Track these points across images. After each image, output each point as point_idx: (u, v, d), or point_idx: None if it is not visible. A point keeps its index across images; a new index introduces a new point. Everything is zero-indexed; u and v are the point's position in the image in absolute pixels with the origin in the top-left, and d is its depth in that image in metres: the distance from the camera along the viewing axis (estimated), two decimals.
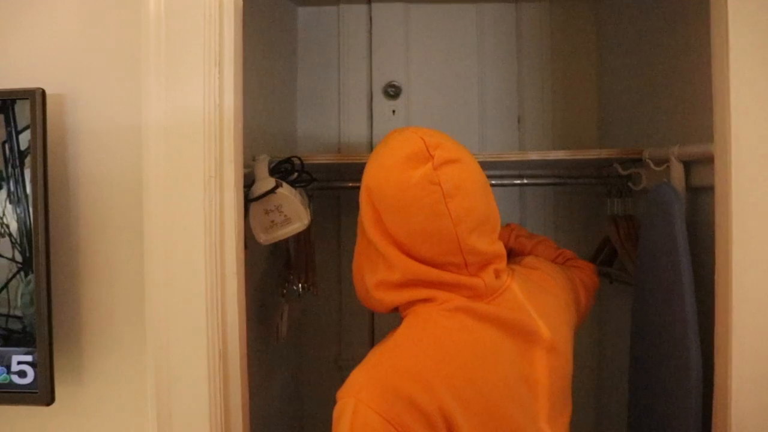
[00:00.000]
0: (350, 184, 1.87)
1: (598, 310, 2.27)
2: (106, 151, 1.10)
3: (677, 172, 1.46)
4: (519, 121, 2.33)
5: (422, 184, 1.04)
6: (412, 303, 1.11)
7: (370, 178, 1.11)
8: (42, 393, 1.05)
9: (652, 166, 1.55)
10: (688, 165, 1.46)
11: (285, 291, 1.76)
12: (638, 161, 1.74)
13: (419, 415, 0.96)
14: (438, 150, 1.06)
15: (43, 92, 1.04)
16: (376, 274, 1.13)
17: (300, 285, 1.74)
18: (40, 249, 1.03)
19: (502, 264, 1.17)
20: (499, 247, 1.15)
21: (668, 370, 1.38)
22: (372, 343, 2.32)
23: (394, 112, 2.31)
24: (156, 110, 1.03)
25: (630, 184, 1.82)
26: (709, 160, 1.33)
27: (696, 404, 1.28)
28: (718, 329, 1.19)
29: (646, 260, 1.54)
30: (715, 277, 1.21)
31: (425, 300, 1.10)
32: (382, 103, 2.32)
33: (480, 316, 1.08)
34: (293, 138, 2.28)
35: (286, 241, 1.78)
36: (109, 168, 1.10)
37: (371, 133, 2.32)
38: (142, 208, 1.05)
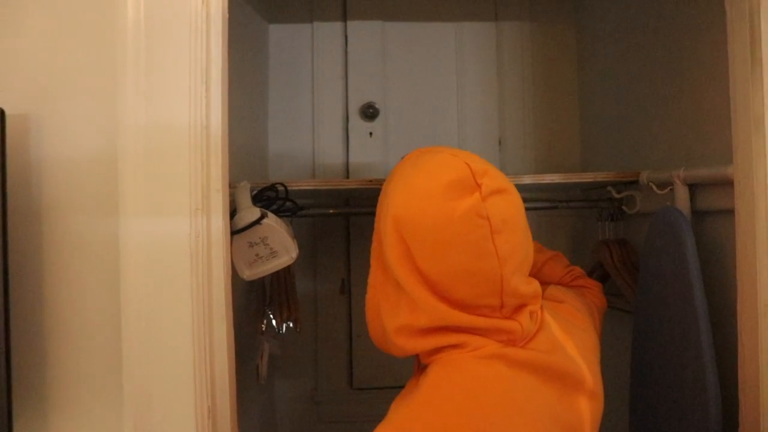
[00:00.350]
0: (331, 211, 1.76)
1: None
2: (76, 180, 0.97)
3: (682, 195, 1.39)
4: (500, 143, 2.26)
5: (469, 217, 0.90)
6: (439, 350, 0.98)
7: (399, 207, 0.95)
8: None
9: (654, 189, 1.48)
10: (692, 188, 1.39)
11: (264, 328, 1.63)
12: (632, 184, 1.68)
13: None
14: (485, 178, 0.93)
15: (2, 113, 0.91)
16: (397, 317, 0.99)
17: (281, 321, 1.61)
18: None
19: (538, 305, 1.03)
20: (537, 287, 1.02)
21: (681, 412, 1.30)
22: (350, 376, 2.21)
23: (371, 134, 2.21)
24: (135, 132, 0.91)
25: (624, 207, 1.74)
26: (718, 183, 1.28)
27: None
28: (745, 369, 1.12)
29: (649, 287, 1.46)
30: (738, 307, 1.14)
31: (454, 346, 0.96)
32: (358, 125, 2.22)
33: (516, 364, 0.95)
34: (264, 161, 2.16)
35: None
36: (81, 199, 0.97)
37: (347, 155, 2.22)
38: (119, 246, 0.92)
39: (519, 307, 0.99)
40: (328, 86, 2.23)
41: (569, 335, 1.06)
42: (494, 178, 0.95)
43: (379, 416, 2.17)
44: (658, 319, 1.41)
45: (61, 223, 0.97)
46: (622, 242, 1.82)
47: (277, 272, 1.64)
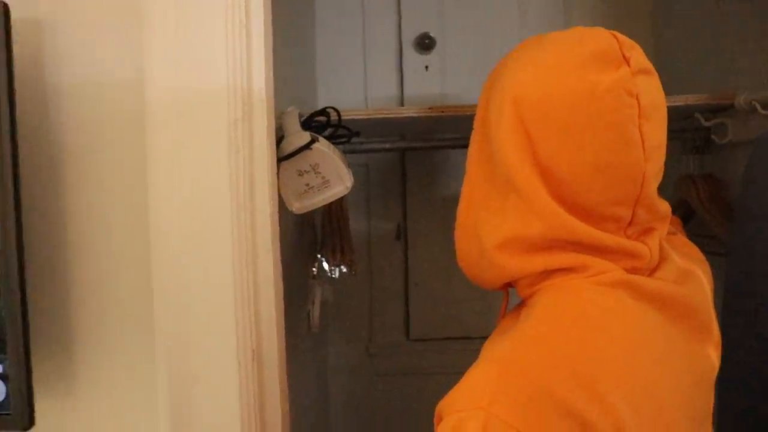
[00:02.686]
0: (387, 146, 1.61)
1: None
2: (97, 100, 0.83)
3: None
4: None
5: (616, 92, 0.73)
6: (548, 274, 0.79)
7: (524, 86, 0.77)
8: (17, 414, 0.77)
9: (759, 109, 1.29)
10: None
11: (315, 272, 1.50)
12: (722, 111, 1.50)
13: (581, 430, 0.65)
14: (634, 51, 0.76)
15: (5, 6, 0.77)
16: (502, 227, 0.80)
17: (335, 265, 1.48)
18: (8, 211, 0.76)
19: (665, 230, 0.85)
20: (668, 207, 0.84)
21: None
22: (408, 328, 2.08)
23: (427, 67, 2.04)
24: (163, 51, 0.77)
25: (714, 136, 1.55)
26: None
27: None
28: None
29: (750, 225, 1.28)
30: None
31: (569, 269, 0.78)
32: (413, 58, 2.04)
33: (645, 296, 0.77)
34: (313, 98, 2.02)
35: (312, 212, 1.52)
36: (100, 111, 0.83)
37: (402, 91, 2.05)
38: (147, 159, 0.79)
39: (646, 230, 0.82)
40: (380, 16, 2.06)
41: (691, 271, 0.88)
42: (643, 56, 0.77)
43: (438, 369, 2.06)
44: (762, 261, 1.24)
45: (79, 136, 0.84)
46: (710, 177, 1.64)
47: (330, 210, 1.51)
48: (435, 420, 0.72)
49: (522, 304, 0.85)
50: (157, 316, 0.80)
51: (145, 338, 0.84)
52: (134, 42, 0.81)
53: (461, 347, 2.03)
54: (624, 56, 0.75)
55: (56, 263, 0.85)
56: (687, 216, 1.74)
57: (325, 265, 1.50)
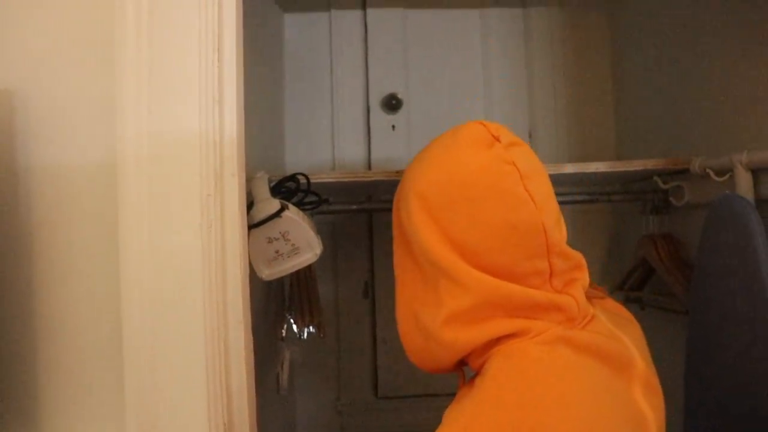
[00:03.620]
0: (354, 207, 1.63)
1: None
2: (68, 180, 0.84)
3: (745, 181, 1.26)
4: (530, 136, 2.12)
5: (495, 165, 0.85)
6: (494, 343, 0.86)
7: (422, 183, 0.90)
8: None
9: (713, 176, 1.34)
10: (755, 174, 1.26)
11: (284, 334, 1.50)
12: (679, 174, 1.55)
13: None
14: (500, 132, 0.89)
15: None
16: (440, 306, 0.87)
17: (303, 326, 1.49)
18: None
19: (587, 281, 0.93)
20: (580, 256, 0.93)
21: (751, 422, 1.16)
22: (375, 384, 2.08)
23: (393, 127, 2.08)
24: (136, 136, 0.78)
25: (671, 198, 1.61)
26: None
27: None
28: None
29: (708, 284, 1.32)
30: None
31: (512, 335, 0.85)
32: (380, 117, 2.08)
33: (581, 348, 0.83)
34: (281, 159, 2.04)
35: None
36: (72, 190, 0.84)
37: (369, 150, 2.09)
38: (119, 234, 0.80)
39: (569, 281, 0.90)
40: (348, 78, 2.10)
41: (619, 325, 0.95)
42: (509, 133, 0.90)
43: (407, 426, 2.05)
44: (722, 320, 1.27)
45: (51, 188, 0.84)
46: (669, 237, 1.68)
47: (298, 273, 1.52)
48: None
49: (476, 375, 0.89)
50: (127, 391, 0.80)
51: (116, 413, 0.84)
52: (108, 120, 0.82)
53: (429, 404, 2.02)
54: (493, 136, 0.88)
55: (25, 337, 0.85)
56: (648, 274, 1.78)
57: (294, 327, 1.50)
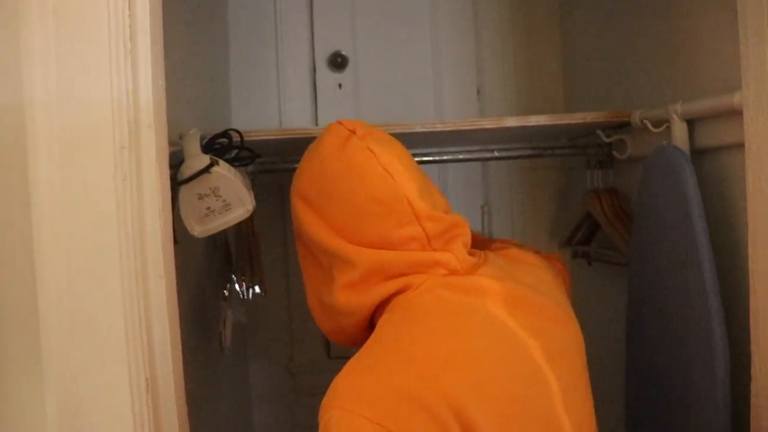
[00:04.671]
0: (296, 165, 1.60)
1: (572, 295, 2.08)
2: None
3: (680, 131, 1.26)
4: (478, 92, 2.12)
5: (353, 152, 0.99)
6: (386, 302, 0.98)
7: (301, 184, 1.06)
8: None
9: (649, 127, 1.34)
10: (690, 124, 1.26)
11: (227, 293, 1.49)
12: (622, 128, 1.56)
13: (426, 416, 0.79)
14: (357, 127, 1.03)
15: None
16: (334, 282, 1.01)
17: (244, 285, 1.47)
18: None
19: (468, 236, 1.04)
20: (458, 216, 1.04)
21: (685, 367, 1.18)
22: (327, 344, 2.08)
23: (340, 85, 2.06)
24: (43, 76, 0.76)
25: (614, 152, 1.61)
26: (722, 115, 1.16)
27: (724, 407, 1.08)
28: (759, 316, 1.01)
29: (646, 235, 1.34)
30: (750, 249, 1.02)
31: (398, 292, 0.97)
32: (326, 76, 2.06)
33: (461, 289, 0.96)
34: (226, 120, 2.00)
35: (225, 233, 1.51)
36: None
37: (315, 109, 2.06)
38: (29, 187, 0.77)
39: (449, 239, 1.00)
40: (293, 36, 2.06)
41: (518, 269, 1.07)
42: (367, 126, 1.04)
43: None
44: (657, 269, 1.29)
45: None
46: (613, 191, 1.70)
47: (240, 232, 1.50)
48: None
49: None
50: (44, 349, 0.78)
51: (34, 370, 0.82)
52: (13, 65, 0.79)
53: None
54: (349, 130, 1.01)
55: None
56: (594, 229, 1.80)
57: (237, 286, 1.48)
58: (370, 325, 1.03)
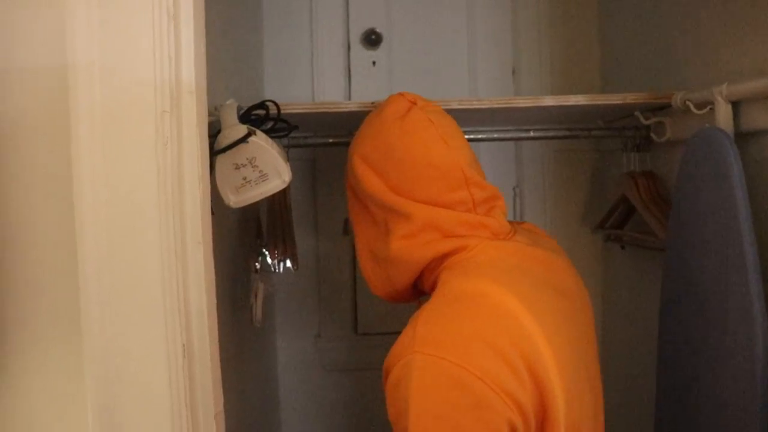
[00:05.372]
0: (331, 140, 1.60)
1: (603, 280, 2.07)
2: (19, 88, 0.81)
3: (725, 114, 1.24)
4: (513, 72, 2.09)
5: (415, 121, 1.08)
6: (440, 261, 1.06)
7: (362, 146, 1.13)
8: None
9: (692, 108, 1.32)
10: (735, 106, 1.23)
11: (258, 266, 1.49)
12: (661, 110, 1.53)
13: (501, 362, 0.86)
14: (417, 99, 1.13)
15: None
16: (390, 234, 1.08)
17: (276, 259, 1.47)
18: None
19: (505, 207, 1.14)
20: (496, 189, 1.13)
21: (724, 351, 1.16)
22: (355, 321, 2.08)
23: (374, 63, 2.04)
24: (86, 40, 0.75)
25: (652, 134, 1.58)
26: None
27: (763, 394, 1.06)
28: None
29: (685, 220, 1.31)
30: None
31: (452, 252, 1.04)
32: (360, 54, 2.05)
33: (512, 252, 1.06)
34: (259, 95, 1.99)
35: (256, 206, 1.51)
36: (22, 101, 0.80)
37: (349, 87, 2.05)
38: (71, 151, 0.77)
39: (491, 207, 1.10)
40: (328, 13, 2.05)
41: (534, 239, 1.16)
42: (426, 100, 1.15)
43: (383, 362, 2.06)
44: (696, 253, 1.26)
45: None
46: (650, 174, 1.67)
47: (272, 205, 1.50)
48: (383, 380, 0.94)
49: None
50: (83, 311, 0.78)
51: (73, 332, 0.82)
52: (57, 28, 0.78)
53: None
54: (411, 102, 1.12)
55: None
56: (628, 212, 1.78)
57: (268, 260, 1.49)
58: (415, 286, 1.13)
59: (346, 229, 2.02)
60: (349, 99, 2.05)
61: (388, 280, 1.13)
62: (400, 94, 1.14)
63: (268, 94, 2.02)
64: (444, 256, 1.05)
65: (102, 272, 0.78)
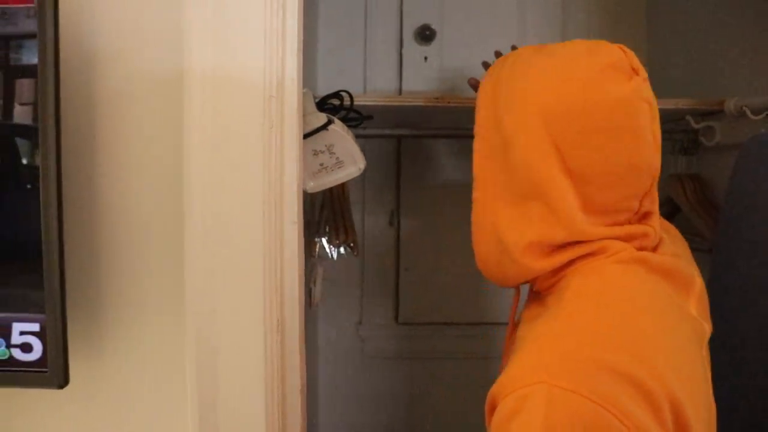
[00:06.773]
0: (387, 132, 1.65)
1: None
2: (134, 69, 0.86)
3: None
4: None
5: (634, 100, 0.80)
6: (571, 262, 0.86)
7: (551, 102, 0.83)
8: (53, 372, 0.78)
9: (749, 114, 1.35)
10: None
11: (317, 250, 1.54)
12: (711, 115, 1.56)
13: (643, 400, 0.67)
14: (637, 63, 0.84)
15: None
16: (528, 230, 0.86)
17: (338, 245, 1.52)
18: (49, 177, 0.78)
19: (658, 212, 0.93)
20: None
21: None
22: (397, 312, 2.13)
23: (426, 58, 2.08)
24: (202, 29, 0.80)
25: (702, 138, 1.62)
26: None
27: None
28: None
29: (739, 223, 1.34)
30: None
31: (589, 254, 0.85)
32: (413, 49, 2.08)
33: (654, 269, 0.84)
34: (312, 87, 2.04)
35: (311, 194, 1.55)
36: (137, 81, 0.86)
37: (400, 81, 2.09)
38: (183, 130, 0.82)
39: (647, 214, 0.89)
40: (382, 8, 2.09)
41: (675, 245, 0.97)
42: (642, 66, 0.85)
43: (425, 353, 2.11)
44: (747, 257, 1.29)
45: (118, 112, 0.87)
46: (696, 177, 1.70)
47: (332, 193, 1.55)
48: (487, 408, 0.75)
49: (539, 294, 0.91)
50: (187, 285, 0.83)
51: (175, 305, 0.87)
52: (174, 19, 0.84)
53: (446, 332, 2.08)
54: (633, 68, 0.83)
55: (89, 228, 0.88)
56: (672, 212, 1.80)
57: (326, 246, 1.53)
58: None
59: (392, 220, 2.08)
60: (400, 92, 2.08)
61: (499, 267, 0.93)
62: (620, 48, 0.85)
63: (321, 86, 2.07)
64: (575, 261, 0.86)
65: (207, 246, 0.83)
